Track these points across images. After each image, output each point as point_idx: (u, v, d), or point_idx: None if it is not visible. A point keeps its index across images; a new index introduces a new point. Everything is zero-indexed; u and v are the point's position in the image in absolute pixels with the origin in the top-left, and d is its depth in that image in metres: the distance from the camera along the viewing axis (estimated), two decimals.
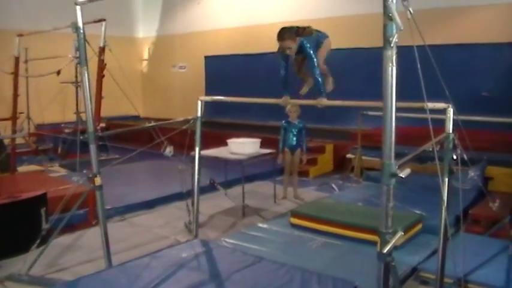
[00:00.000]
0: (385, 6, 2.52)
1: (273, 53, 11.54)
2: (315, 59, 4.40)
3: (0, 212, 5.17)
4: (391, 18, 2.52)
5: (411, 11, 2.64)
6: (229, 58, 12.62)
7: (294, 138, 7.53)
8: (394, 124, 2.62)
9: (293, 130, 7.51)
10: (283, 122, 7.58)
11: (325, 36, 4.75)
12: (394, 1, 2.54)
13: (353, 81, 10.18)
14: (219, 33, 12.93)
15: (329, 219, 5.61)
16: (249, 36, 12.18)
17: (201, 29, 13.30)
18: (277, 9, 11.71)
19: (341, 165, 9.73)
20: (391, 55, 2.55)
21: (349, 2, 10.53)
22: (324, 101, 4.34)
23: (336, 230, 5.48)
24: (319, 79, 4.37)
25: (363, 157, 9.06)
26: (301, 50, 4.44)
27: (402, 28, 2.54)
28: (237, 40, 12.46)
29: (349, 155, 9.48)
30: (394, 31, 2.53)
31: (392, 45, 2.54)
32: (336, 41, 10.18)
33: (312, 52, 4.41)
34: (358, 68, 10.23)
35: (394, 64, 2.56)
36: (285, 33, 4.50)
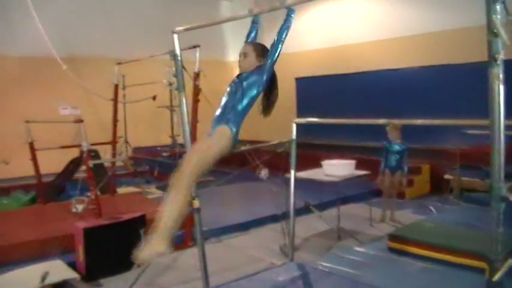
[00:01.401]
0: (490, 22, 2.42)
1: (363, 72, 11.47)
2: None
3: (103, 232, 5.42)
4: (496, 35, 2.41)
5: None
6: (320, 79, 12.59)
7: (395, 160, 7.33)
8: (503, 146, 2.49)
9: (394, 151, 7.32)
10: (385, 142, 7.39)
11: None
12: (499, 16, 2.44)
13: (447, 98, 9.82)
14: (308, 54, 12.96)
15: (429, 243, 5.40)
16: (338, 57, 12.11)
17: (290, 50, 13.36)
18: (365, 28, 11.58)
19: (438, 187, 9.35)
20: (498, 73, 2.43)
21: (439, 16, 10.18)
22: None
23: (436, 254, 5.26)
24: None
25: (462, 178, 8.68)
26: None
27: (509, 43, 2.43)
28: (327, 61, 12.41)
29: (447, 176, 9.10)
30: (500, 47, 2.42)
31: (498, 62, 2.43)
32: (429, 57, 10.05)
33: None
34: (452, 85, 9.82)
35: (501, 82, 2.45)
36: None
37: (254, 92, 3.35)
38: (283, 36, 3.33)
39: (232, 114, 3.24)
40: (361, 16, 11.48)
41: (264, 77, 3.37)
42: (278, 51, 3.34)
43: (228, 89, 3.39)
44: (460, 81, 9.27)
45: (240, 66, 3.47)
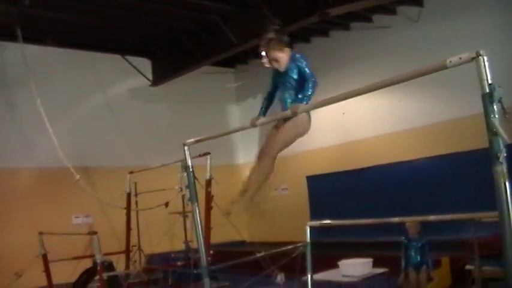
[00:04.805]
0: (488, 123, 2.49)
1: (373, 167, 11.48)
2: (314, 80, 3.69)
3: None
4: (496, 134, 2.48)
5: None
6: (331, 176, 12.61)
7: (418, 256, 7.15)
8: None
9: (414, 247, 7.16)
10: (403, 238, 7.23)
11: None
12: (497, 115, 2.52)
13: (460, 185, 9.79)
14: (317, 152, 13.08)
15: None
16: (348, 153, 12.23)
17: (300, 150, 13.48)
18: (372, 123, 11.78)
19: (460, 278, 9.06)
20: (502, 171, 2.48)
21: (447, 106, 10.39)
22: (301, 107, 3.63)
23: None
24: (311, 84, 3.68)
25: (484, 267, 8.45)
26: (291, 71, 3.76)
27: (509, 142, 2.49)
28: (337, 158, 12.51)
29: (468, 267, 8.87)
30: (501, 146, 2.48)
31: (501, 160, 2.48)
32: (438, 147, 10.13)
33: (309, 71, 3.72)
34: (463, 172, 9.83)
35: (507, 179, 2.48)
36: (271, 40, 3.73)
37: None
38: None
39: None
40: (367, 112, 11.71)
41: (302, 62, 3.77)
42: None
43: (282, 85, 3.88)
44: (471, 168, 9.26)
45: (278, 68, 3.80)
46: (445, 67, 2.70)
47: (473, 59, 2.56)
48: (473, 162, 9.04)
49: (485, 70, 2.53)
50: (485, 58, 2.53)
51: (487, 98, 2.51)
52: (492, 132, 2.48)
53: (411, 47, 10.66)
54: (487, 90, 2.51)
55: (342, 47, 12.33)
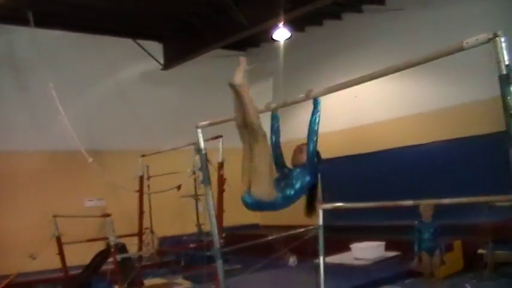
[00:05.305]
0: (505, 105, 2.46)
1: (386, 150, 11.36)
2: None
3: None
4: None
5: None
6: (342, 160, 12.56)
7: (431, 240, 7.13)
8: None
9: (428, 231, 7.13)
10: (417, 222, 7.18)
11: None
12: None
13: (473, 172, 9.73)
14: (329, 136, 12.98)
15: None
16: (360, 137, 12.16)
17: None
18: (384, 107, 11.69)
19: (473, 262, 9.04)
20: None
21: (460, 90, 10.29)
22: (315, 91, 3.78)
23: None
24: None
25: (496, 251, 8.42)
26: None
27: None
28: (348, 142, 12.45)
29: (480, 251, 8.84)
30: None
31: None
32: (451, 131, 10.04)
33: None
34: (476, 158, 9.77)
35: None
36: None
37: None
38: (317, 125, 3.78)
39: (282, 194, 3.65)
40: (379, 95, 11.62)
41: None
42: (314, 141, 3.75)
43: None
44: (484, 152, 9.21)
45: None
46: (461, 48, 2.66)
47: (490, 40, 2.52)
48: (486, 146, 9.00)
49: (503, 51, 2.49)
50: (503, 39, 2.50)
51: (504, 80, 2.48)
52: (509, 114, 2.45)
53: (424, 29, 10.53)
54: (504, 72, 2.47)
55: (354, 29, 12.21)
